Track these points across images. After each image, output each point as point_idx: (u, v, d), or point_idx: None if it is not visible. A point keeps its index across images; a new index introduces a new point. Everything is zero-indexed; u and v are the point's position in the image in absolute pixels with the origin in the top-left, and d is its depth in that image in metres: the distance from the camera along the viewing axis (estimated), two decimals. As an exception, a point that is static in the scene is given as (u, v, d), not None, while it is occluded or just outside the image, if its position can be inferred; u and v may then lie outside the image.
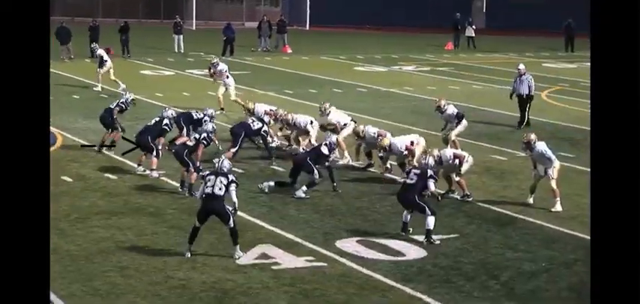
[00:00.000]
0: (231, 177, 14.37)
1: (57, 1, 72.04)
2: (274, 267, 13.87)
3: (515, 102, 27.14)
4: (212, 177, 14.33)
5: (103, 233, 15.44)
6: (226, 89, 28.33)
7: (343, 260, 14.28)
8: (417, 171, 15.65)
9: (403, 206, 15.68)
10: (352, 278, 13.46)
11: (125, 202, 17.58)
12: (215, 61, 29.99)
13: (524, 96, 26.64)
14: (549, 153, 17.62)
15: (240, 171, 20.23)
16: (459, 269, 13.96)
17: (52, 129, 24.33)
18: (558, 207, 17.34)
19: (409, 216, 15.55)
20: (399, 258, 14.43)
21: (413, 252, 14.69)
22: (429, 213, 15.23)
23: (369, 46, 53.07)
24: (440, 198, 16.00)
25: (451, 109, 22.39)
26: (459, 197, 17.96)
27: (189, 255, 14.24)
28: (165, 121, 20.55)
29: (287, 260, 14.15)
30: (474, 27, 54.15)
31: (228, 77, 28.66)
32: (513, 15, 65.08)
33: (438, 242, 15.10)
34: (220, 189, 14.18)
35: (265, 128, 21.48)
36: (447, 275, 13.71)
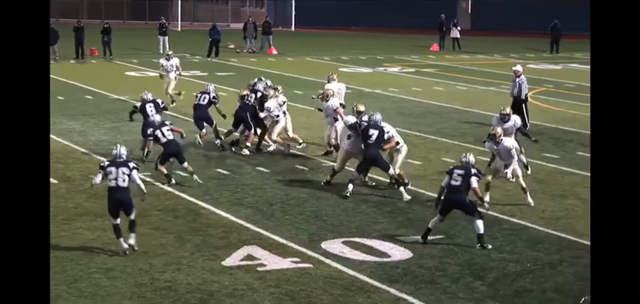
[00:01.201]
0: (131, 164, 14.54)
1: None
2: (260, 269, 13.86)
3: (500, 103, 27.13)
4: (113, 169, 14.41)
5: (89, 235, 15.41)
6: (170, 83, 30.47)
7: (329, 261, 14.28)
8: (461, 171, 15.23)
9: (447, 209, 15.24)
10: (338, 280, 13.46)
11: (110, 204, 17.53)
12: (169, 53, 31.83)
13: (514, 98, 26.58)
14: (514, 151, 17.64)
15: (225, 172, 20.24)
16: (444, 270, 13.98)
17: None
18: (530, 201, 17.44)
19: (437, 222, 15.34)
20: (385, 259, 14.44)
21: (398, 253, 14.71)
22: (478, 216, 15.12)
23: (354, 47, 53.13)
24: (486, 204, 15.80)
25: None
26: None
27: (126, 246, 14.36)
28: (213, 95, 22.86)
29: (272, 262, 14.15)
30: (459, 28, 54.26)
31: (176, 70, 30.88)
32: (498, 16, 65.24)
33: (490, 246, 15.05)
34: (124, 180, 14.35)
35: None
36: (433, 276, 13.72)
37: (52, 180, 19.14)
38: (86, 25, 45.86)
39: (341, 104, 22.14)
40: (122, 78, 36.75)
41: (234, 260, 14.21)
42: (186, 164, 19.19)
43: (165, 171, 19.19)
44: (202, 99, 23.04)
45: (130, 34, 56.53)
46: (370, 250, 14.86)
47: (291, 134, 22.58)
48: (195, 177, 19.09)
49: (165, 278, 13.39)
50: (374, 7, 67.20)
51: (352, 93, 33.18)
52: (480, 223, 15.02)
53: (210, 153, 22.30)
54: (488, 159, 18.19)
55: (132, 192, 14.65)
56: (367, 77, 39.38)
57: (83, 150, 22.09)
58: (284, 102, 22.56)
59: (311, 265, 14.08)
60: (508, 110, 19.66)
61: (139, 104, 22.41)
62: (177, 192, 18.43)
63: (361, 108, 19.31)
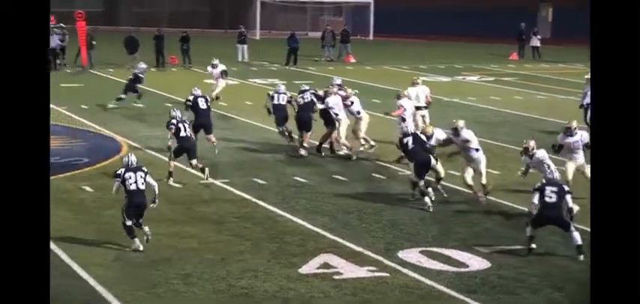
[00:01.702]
0: (144, 168, 15.34)
1: (124, 12, 72.94)
2: (336, 277, 13.84)
3: (579, 113, 26.82)
4: (131, 174, 15.09)
5: (167, 241, 15.53)
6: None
7: (405, 270, 14.21)
8: (553, 188, 15.08)
9: (542, 224, 15.10)
10: (414, 289, 13.39)
11: (188, 210, 17.68)
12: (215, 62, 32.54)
13: (585, 107, 26.19)
14: (549, 161, 17.33)
15: (303, 180, 20.27)
16: (523, 280, 13.81)
17: (117, 137, 24.60)
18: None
19: (531, 231, 15.17)
20: (462, 269, 14.32)
21: (476, 263, 14.57)
22: (573, 228, 14.95)
23: (432, 56, 52.90)
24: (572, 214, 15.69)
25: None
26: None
27: (138, 245, 14.83)
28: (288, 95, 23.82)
29: (349, 270, 14.12)
30: (539, 37, 53.72)
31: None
32: (580, 25, 64.41)
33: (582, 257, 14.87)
34: (142, 183, 15.09)
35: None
36: (511, 286, 13.57)
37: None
38: (166, 33, 46.28)
39: (421, 106, 22.33)
40: (200, 86, 36.95)
41: (310, 267, 14.21)
42: (195, 161, 19.96)
43: (172, 167, 19.90)
44: (304, 98, 23.38)
45: (209, 42, 56.97)
46: (448, 260, 14.75)
47: (361, 134, 22.67)
48: (206, 171, 19.88)
49: (242, 284, 13.43)
50: (453, 15, 66.85)
51: (431, 103, 33.01)
52: (577, 235, 14.85)
53: (288, 161, 22.36)
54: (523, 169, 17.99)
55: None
56: (445, 86, 39.17)
57: (162, 157, 22.28)
58: (352, 102, 22.88)
59: (387, 274, 14.02)
60: (574, 123, 18.87)
61: (190, 98, 23.10)
62: (254, 200, 18.50)
63: (461, 124, 18.81)
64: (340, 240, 15.75)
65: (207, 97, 23.59)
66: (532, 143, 17.80)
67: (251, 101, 32.63)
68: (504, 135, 26.18)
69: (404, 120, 21.78)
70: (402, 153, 20.22)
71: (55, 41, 41.76)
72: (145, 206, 15.11)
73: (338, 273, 13.98)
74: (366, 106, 24.92)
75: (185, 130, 20.00)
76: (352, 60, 49.72)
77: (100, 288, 13.27)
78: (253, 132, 25.86)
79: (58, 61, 42.50)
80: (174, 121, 20.12)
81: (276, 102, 23.68)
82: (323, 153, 22.79)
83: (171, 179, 19.76)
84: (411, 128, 20.29)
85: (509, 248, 15.23)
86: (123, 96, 30.32)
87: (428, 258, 14.80)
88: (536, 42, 53.28)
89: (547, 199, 14.98)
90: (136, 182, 15.02)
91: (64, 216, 16.91)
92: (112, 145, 23.36)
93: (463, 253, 15.07)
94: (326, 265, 14.34)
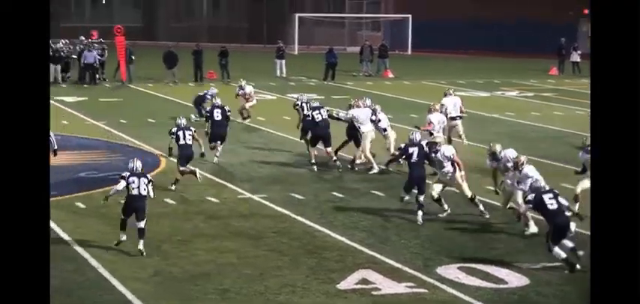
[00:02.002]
0: (148, 176, 16.18)
1: (163, 27, 73.38)
2: (374, 293, 13.80)
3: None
4: (135, 179, 15.82)
5: (205, 256, 15.57)
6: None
7: (444, 286, 14.15)
8: (550, 194, 15.10)
9: (560, 237, 14.95)
10: (453, 305, 13.33)
11: (226, 225, 17.71)
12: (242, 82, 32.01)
13: None
14: (537, 175, 17.01)
15: (340, 195, 20.26)
16: (562, 297, 13.72)
17: (155, 152, 24.70)
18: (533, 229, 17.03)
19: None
20: (501, 286, 14.23)
21: (515, 280, 14.48)
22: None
23: (471, 71, 52.71)
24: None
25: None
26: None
27: (124, 238, 15.80)
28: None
29: (387, 286, 14.08)
30: (579, 52, 53.39)
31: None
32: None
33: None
34: (144, 189, 15.79)
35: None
36: None
37: (169, 201, 19.44)
38: (204, 48, 46.45)
39: (456, 117, 22.34)
40: (239, 101, 37.07)
41: (348, 283, 14.18)
42: (188, 165, 20.63)
43: (180, 176, 20.45)
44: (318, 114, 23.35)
45: (247, 57, 57.18)
46: (486, 276, 14.67)
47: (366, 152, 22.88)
48: (198, 173, 20.57)
49: (281, 300, 13.43)
50: (491, 30, 66.61)
51: (468, 118, 32.97)
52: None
53: (326, 176, 22.36)
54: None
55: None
56: (484, 101, 39.02)
57: (199, 172, 22.33)
58: (380, 120, 23.12)
59: (426, 290, 13.97)
60: (497, 147, 18.36)
61: (208, 109, 24.63)
62: (292, 215, 18.50)
63: (497, 148, 18.44)
64: (378, 256, 15.71)
65: (226, 108, 24.19)
66: (498, 147, 18.02)
67: (289, 116, 32.66)
68: (543, 151, 26.01)
69: (431, 134, 21.71)
70: (392, 159, 20.45)
71: (93, 56, 42.08)
72: (143, 209, 15.73)
73: (376, 289, 13.95)
74: (403, 121, 24.91)
75: (184, 138, 20.69)
76: (390, 75, 49.66)
77: (137, 303, 13.32)
78: (291, 146, 25.86)
79: (97, 76, 42.82)
80: (174, 129, 20.90)
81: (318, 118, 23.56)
82: (336, 159, 22.92)
83: (174, 186, 20.42)
84: (440, 139, 20.34)
85: (549, 264, 15.12)
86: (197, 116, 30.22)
87: (466, 274, 14.73)
88: (576, 57, 52.93)
89: (550, 207, 14.93)
90: (138, 187, 15.76)
91: (102, 230, 17.00)
92: (151, 160, 23.45)
93: (502, 269, 14.99)
94: (364, 281, 14.31)
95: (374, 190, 20.82)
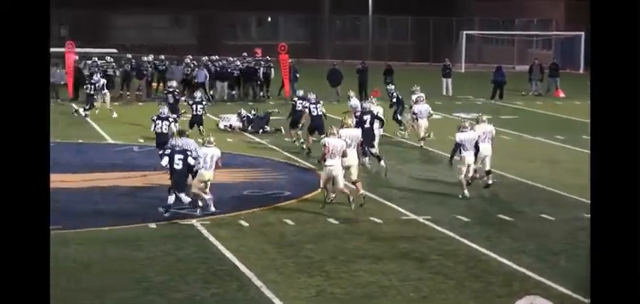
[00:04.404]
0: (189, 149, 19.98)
1: (327, 44, 74.20)
2: (542, 320, 13.58)
3: None
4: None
5: (368, 278, 15.63)
6: None
7: (616, 315, 13.80)
8: None
9: None
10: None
11: (390, 247, 17.73)
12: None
13: None
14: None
15: (507, 218, 20.04)
16: None
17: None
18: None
19: None
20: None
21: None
22: None
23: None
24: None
25: None
26: None
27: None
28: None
29: (556, 313, 13.83)
30: None
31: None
32: None
33: None
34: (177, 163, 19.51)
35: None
36: None
37: (332, 220, 19.59)
38: (369, 66, 46.68)
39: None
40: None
41: (516, 309, 13.99)
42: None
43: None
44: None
45: (412, 75, 57.04)
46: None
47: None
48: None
49: (444, 324, 13.37)
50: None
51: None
52: None
53: (493, 198, 22.16)
54: None
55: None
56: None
57: (364, 191, 22.45)
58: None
59: (597, 319, 13.66)
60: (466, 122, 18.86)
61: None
62: (457, 237, 18.40)
63: None
64: (547, 282, 15.46)
65: (319, 105, 28.56)
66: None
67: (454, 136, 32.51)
68: None
69: None
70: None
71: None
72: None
73: (544, 316, 13.72)
74: (576, 143, 24.36)
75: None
76: (561, 94, 48.84)
77: (300, 323, 13.48)
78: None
79: (261, 93, 43.62)
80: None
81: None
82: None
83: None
84: None
85: None
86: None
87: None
88: None
89: None
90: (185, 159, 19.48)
91: (264, 248, 17.28)
92: (314, 179, 23.69)
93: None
94: (532, 307, 14.10)
95: (544, 214, 20.50)
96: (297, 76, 44.52)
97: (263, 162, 26.92)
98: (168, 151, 20.11)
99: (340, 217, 19.89)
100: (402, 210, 20.50)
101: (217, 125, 33.10)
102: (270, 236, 18.14)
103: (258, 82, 44.13)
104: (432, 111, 30.77)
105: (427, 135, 29.90)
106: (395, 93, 33.33)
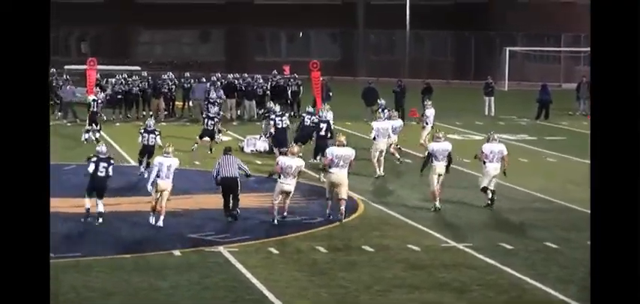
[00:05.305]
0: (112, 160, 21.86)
1: (361, 61, 74.17)
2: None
3: None
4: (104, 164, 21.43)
5: (405, 308, 15.63)
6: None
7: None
8: None
9: None
10: None
11: (428, 275, 17.71)
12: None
13: None
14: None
15: (554, 245, 19.96)
16: None
17: (354, 195, 24.84)
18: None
19: None
20: None
21: None
22: None
23: None
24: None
25: None
26: None
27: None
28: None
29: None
30: None
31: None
32: None
33: None
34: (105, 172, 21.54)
35: None
36: None
37: (367, 248, 19.60)
38: (407, 84, 46.52)
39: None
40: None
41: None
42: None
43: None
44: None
45: (453, 94, 57.09)
46: None
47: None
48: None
49: (486, 358, 13.34)
50: None
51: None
52: None
53: (537, 223, 22.08)
54: None
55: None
56: None
57: (399, 216, 22.45)
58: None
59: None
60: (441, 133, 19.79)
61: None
62: (500, 266, 18.36)
63: None
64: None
65: (285, 117, 31.05)
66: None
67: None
68: None
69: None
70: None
71: (290, 91, 42.80)
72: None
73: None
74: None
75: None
76: (610, 114, 48.61)
77: (332, 355, 13.49)
78: (499, 191, 25.60)
79: (291, 112, 43.70)
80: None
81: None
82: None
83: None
84: None
85: None
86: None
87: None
88: None
89: None
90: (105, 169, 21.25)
91: (296, 276, 17.31)
92: (348, 203, 23.68)
93: None
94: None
95: (591, 241, 20.41)
96: (330, 94, 44.41)
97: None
98: (94, 158, 21.82)
99: (375, 244, 19.90)
100: (441, 237, 20.47)
101: (242, 149, 32.93)
102: (301, 264, 18.17)
103: (288, 101, 44.21)
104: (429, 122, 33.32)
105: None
106: (431, 117, 34.30)
